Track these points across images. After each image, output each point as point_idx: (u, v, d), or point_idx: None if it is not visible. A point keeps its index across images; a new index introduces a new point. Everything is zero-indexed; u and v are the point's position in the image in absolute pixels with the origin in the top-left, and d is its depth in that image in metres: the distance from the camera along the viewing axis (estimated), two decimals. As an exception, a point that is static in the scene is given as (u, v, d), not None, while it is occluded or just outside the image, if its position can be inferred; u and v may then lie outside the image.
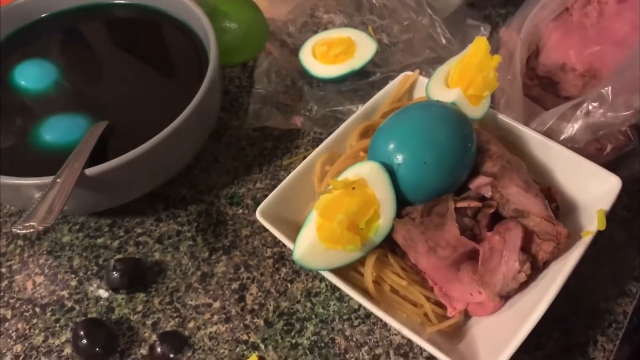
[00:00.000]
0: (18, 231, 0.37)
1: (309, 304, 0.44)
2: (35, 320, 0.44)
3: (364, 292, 0.39)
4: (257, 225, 0.48)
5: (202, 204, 0.50)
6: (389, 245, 0.40)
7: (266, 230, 0.47)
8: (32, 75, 0.50)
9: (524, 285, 0.39)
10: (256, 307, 0.44)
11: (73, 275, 0.46)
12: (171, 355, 0.42)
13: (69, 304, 0.45)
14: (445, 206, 0.38)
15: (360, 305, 0.44)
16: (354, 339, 0.42)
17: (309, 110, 0.55)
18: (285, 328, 0.43)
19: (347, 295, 0.42)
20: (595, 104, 0.44)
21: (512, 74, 0.49)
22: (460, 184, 0.40)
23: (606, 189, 0.41)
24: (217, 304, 0.44)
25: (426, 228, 0.37)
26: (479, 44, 0.42)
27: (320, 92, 0.57)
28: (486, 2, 0.65)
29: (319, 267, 0.38)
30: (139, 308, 0.44)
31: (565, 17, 0.51)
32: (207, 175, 0.52)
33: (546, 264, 0.39)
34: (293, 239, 0.39)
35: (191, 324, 0.43)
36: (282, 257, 0.47)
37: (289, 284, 0.45)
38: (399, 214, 0.39)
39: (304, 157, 0.45)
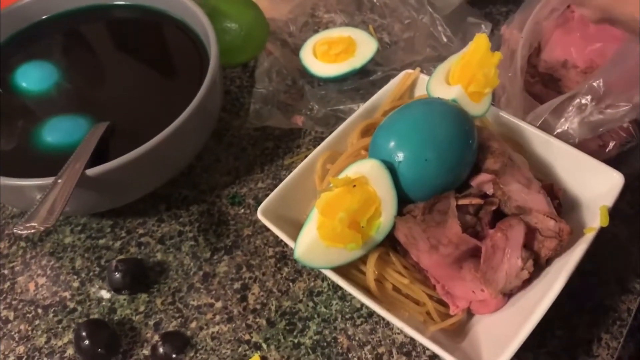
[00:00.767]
0: (19, 232, 0.37)
1: (311, 304, 0.44)
2: (37, 322, 0.44)
3: (366, 291, 0.39)
4: (258, 225, 0.48)
5: (204, 204, 0.50)
6: (390, 244, 0.39)
7: (268, 229, 0.47)
8: (33, 77, 0.50)
9: (526, 283, 0.39)
10: (258, 306, 0.44)
11: (75, 276, 0.46)
12: (173, 356, 0.42)
13: (71, 305, 0.45)
14: (447, 203, 0.37)
15: (362, 304, 0.44)
16: (357, 338, 0.42)
17: (310, 110, 0.55)
18: (287, 328, 0.43)
19: (350, 294, 0.41)
20: (588, 97, 0.44)
21: (514, 71, 0.48)
22: (461, 181, 0.39)
23: (609, 186, 0.41)
24: (219, 304, 0.44)
25: (428, 226, 0.37)
26: (480, 41, 0.42)
27: (321, 92, 0.56)
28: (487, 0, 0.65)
29: (320, 265, 0.38)
30: (141, 308, 0.44)
31: (566, 14, 0.51)
32: (208, 175, 0.52)
33: (549, 261, 0.39)
34: (295, 238, 0.39)
35: (193, 324, 0.43)
36: (284, 256, 0.47)
37: (291, 284, 0.45)
38: (400, 212, 0.38)
39: (306, 157, 0.45)
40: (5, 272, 0.47)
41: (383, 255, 0.39)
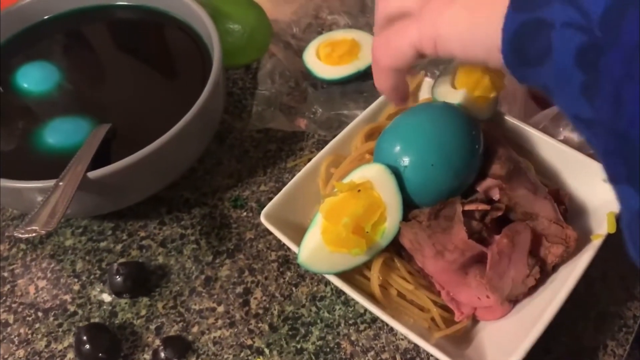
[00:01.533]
0: (20, 235, 0.36)
1: (314, 308, 0.44)
2: (37, 325, 0.44)
3: (370, 297, 0.39)
4: (261, 229, 0.48)
5: (206, 207, 0.50)
6: (395, 249, 0.39)
7: (270, 233, 0.47)
8: (34, 78, 0.50)
9: (532, 289, 0.38)
10: (261, 311, 0.44)
11: (76, 280, 0.46)
12: (175, 361, 0.41)
13: (72, 308, 0.44)
14: (453, 209, 0.37)
15: (366, 310, 0.43)
16: (360, 344, 0.42)
17: (313, 113, 0.55)
18: (290, 333, 0.43)
19: (353, 299, 0.41)
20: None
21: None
22: (467, 186, 0.39)
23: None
24: (221, 308, 0.44)
25: (433, 231, 0.37)
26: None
27: (324, 94, 0.56)
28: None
29: (324, 270, 0.38)
30: (143, 312, 0.44)
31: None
32: (210, 177, 0.52)
33: (555, 267, 0.39)
34: (298, 242, 0.39)
35: (195, 329, 0.43)
36: (287, 260, 0.46)
37: (293, 288, 0.45)
38: (405, 217, 0.38)
39: (308, 160, 0.45)
40: (5, 274, 0.46)
41: (388, 261, 0.39)
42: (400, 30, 0.33)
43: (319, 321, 0.43)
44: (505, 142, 0.41)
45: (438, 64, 0.56)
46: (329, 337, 0.42)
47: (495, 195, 0.39)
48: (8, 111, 0.48)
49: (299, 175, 0.43)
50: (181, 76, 0.51)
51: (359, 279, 0.39)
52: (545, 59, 0.24)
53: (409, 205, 0.38)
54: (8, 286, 0.46)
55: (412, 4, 0.33)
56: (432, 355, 0.40)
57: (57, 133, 0.46)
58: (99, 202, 0.43)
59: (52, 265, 0.47)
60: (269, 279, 0.45)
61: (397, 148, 0.38)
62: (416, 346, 0.41)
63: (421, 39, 0.31)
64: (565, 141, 0.44)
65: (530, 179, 0.39)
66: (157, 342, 0.42)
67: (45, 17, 0.54)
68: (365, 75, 0.57)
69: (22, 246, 0.48)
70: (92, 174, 0.39)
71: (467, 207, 0.37)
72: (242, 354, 0.42)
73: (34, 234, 0.36)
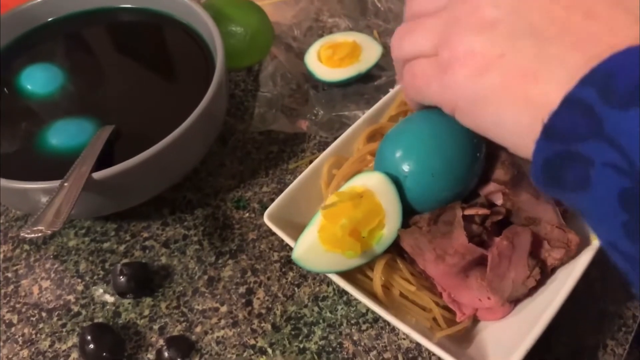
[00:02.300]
0: (26, 235, 0.37)
1: (316, 308, 0.44)
2: (41, 325, 0.44)
3: (373, 296, 0.39)
4: (263, 229, 0.48)
5: (209, 208, 0.50)
6: (397, 251, 0.39)
7: (273, 234, 0.47)
8: (38, 80, 0.50)
9: (533, 290, 0.39)
10: (263, 311, 0.44)
11: (79, 280, 0.46)
12: (178, 360, 0.41)
13: (76, 308, 0.45)
14: (453, 214, 0.37)
15: (368, 310, 0.44)
16: (362, 344, 0.42)
17: (315, 115, 0.55)
18: (292, 332, 0.43)
19: (355, 299, 0.41)
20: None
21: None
22: (468, 191, 0.39)
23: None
24: (224, 309, 0.44)
25: (433, 236, 0.37)
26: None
27: (325, 96, 0.56)
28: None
29: (316, 268, 0.38)
30: (146, 312, 0.44)
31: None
32: (213, 179, 0.52)
33: (554, 269, 0.39)
34: (300, 243, 0.39)
35: (198, 329, 0.43)
36: (289, 261, 0.46)
37: (296, 288, 0.45)
38: (406, 223, 0.38)
39: (310, 161, 0.45)
40: (9, 275, 0.47)
41: (390, 262, 0.39)
42: (423, 79, 0.31)
43: (321, 321, 0.43)
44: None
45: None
46: (332, 337, 0.43)
47: (498, 200, 0.39)
48: (12, 113, 0.48)
49: (301, 176, 0.43)
50: (184, 78, 0.51)
51: (362, 279, 0.40)
52: (582, 190, 0.23)
53: (409, 212, 0.38)
54: (12, 286, 0.46)
55: (426, 48, 0.31)
56: (434, 354, 0.40)
57: (61, 134, 0.46)
58: (103, 202, 0.44)
59: (56, 266, 0.47)
60: (271, 279, 0.46)
61: (398, 156, 0.38)
62: (418, 345, 0.42)
63: (442, 99, 0.30)
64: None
65: (532, 183, 0.39)
66: (161, 341, 0.43)
67: (50, 19, 0.54)
68: (366, 77, 0.57)
69: (26, 247, 0.48)
70: (96, 175, 0.40)
71: (467, 212, 0.37)
72: (245, 354, 0.42)
73: (40, 234, 0.37)
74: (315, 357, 0.42)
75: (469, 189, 0.39)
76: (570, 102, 0.22)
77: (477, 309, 0.39)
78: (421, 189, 0.38)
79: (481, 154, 0.39)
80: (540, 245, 0.38)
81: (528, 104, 0.25)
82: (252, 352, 0.42)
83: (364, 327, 0.43)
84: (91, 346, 0.41)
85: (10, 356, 0.42)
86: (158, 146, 0.41)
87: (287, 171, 0.52)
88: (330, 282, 0.45)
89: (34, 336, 0.43)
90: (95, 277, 0.46)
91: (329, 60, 0.57)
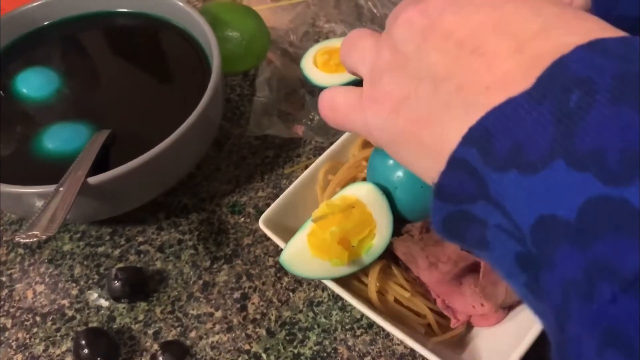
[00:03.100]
0: (21, 240, 0.37)
1: (311, 314, 0.44)
2: (35, 330, 0.44)
3: (367, 302, 0.39)
4: (258, 234, 0.48)
5: (204, 213, 0.50)
6: (392, 257, 0.40)
7: (268, 239, 0.47)
8: (34, 83, 0.50)
9: (527, 296, 0.39)
10: (258, 316, 0.44)
11: (74, 284, 0.46)
12: (173, 365, 0.41)
13: (70, 313, 0.45)
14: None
15: (362, 315, 0.44)
16: (357, 349, 0.42)
17: (311, 120, 0.56)
18: (287, 338, 0.43)
19: (350, 304, 0.42)
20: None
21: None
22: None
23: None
24: (218, 314, 0.44)
25: (426, 244, 0.37)
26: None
27: (321, 101, 0.57)
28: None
29: (301, 273, 0.38)
30: (141, 317, 0.44)
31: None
32: (208, 183, 0.52)
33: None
34: (295, 248, 0.39)
35: (193, 334, 0.43)
36: (284, 266, 0.47)
37: (291, 293, 0.45)
38: (398, 232, 0.39)
39: (306, 166, 0.45)
40: (3, 279, 0.47)
41: (385, 268, 0.39)
42: (345, 108, 0.30)
43: (316, 326, 0.43)
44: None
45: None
46: (326, 342, 0.43)
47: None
48: (8, 116, 0.48)
49: (297, 181, 0.44)
50: (180, 83, 0.51)
51: (357, 285, 0.40)
52: (482, 249, 0.22)
53: (402, 220, 0.39)
54: (6, 291, 0.46)
55: (363, 70, 0.29)
56: (428, 361, 0.40)
57: (57, 138, 0.46)
58: (98, 207, 0.44)
59: (50, 270, 0.47)
60: (266, 285, 0.46)
61: (389, 167, 0.38)
62: (412, 351, 0.42)
63: (367, 135, 0.29)
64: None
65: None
66: (155, 346, 0.43)
67: (46, 23, 0.54)
68: (362, 83, 0.57)
69: (20, 251, 0.48)
70: (92, 180, 0.40)
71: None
72: (239, 359, 0.42)
73: (34, 239, 0.37)
74: (310, 362, 0.42)
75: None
76: (454, 162, 0.21)
77: (471, 316, 0.40)
78: (411, 199, 0.38)
79: None
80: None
81: (424, 150, 0.24)
82: (246, 357, 0.42)
83: (358, 332, 0.43)
84: (85, 351, 0.41)
85: (4, 361, 0.42)
86: (154, 151, 0.41)
87: (283, 176, 0.52)
88: (325, 288, 0.45)
89: (28, 341, 0.43)
90: (89, 282, 0.46)
91: (325, 65, 0.57)
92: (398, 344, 0.42)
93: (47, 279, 0.47)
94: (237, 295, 0.45)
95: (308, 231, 0.38)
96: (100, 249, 0.48)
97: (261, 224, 0.41)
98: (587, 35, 0.19)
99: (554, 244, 0.18)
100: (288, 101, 0.57)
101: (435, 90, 0.23)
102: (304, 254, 0.38)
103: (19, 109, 0.49)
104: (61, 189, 0.39)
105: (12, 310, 0.45)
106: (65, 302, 0.45)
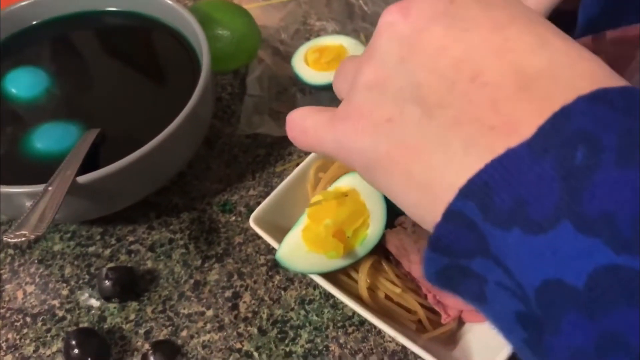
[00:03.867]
0: (9, 240, 0.36)
1: (302, 312, 0.44)
2: (25, 330, 0.44)
3: (358, 299, 0.39)
4: (250, 233, 0.48)
5: (195, 212, 0.50)
6: (383, 253, 0.40)
7: (259, 237, 0.47)
8: (23, 83, 0.50)
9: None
10: (250, 315, 0.44)
11: (64, 284, 0.46)
12: (164, 365, 0.41)
13: (60, 313, 0.44)
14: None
15: (354, 313, 0.44)
16: (348, 346, 0.42)
17: (302, 118, 0.55)
18: (279, 336, 0.43)
19: (341, 302, 0.41)
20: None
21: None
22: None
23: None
24: (210, 312, 0.44)
25: (419, 237, 0.37)
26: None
27: (312, 100, 0.57)
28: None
29: (298, 269, 0.39)
30: (132, 317, 0.44)
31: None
32: (199, 182, 0.52)
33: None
34: (286, 246, 0.39)
35: (184, 333, 0.43)
36: (276, 264, 0.46)
37: (282, 292, 0.45)
38: (392, 224, 0.39)
39: (297, 164, 0.45)
40: (-7, 280, 0.46)
41: (375, 264, 0.39)
42: (320, 122, 0.27)
43: (307, 324, 0.43)
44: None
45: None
46: (318, 340, 0.43)
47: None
48: (-3, 116, 0.48)
49: (287, 179, 0.43)
50: (170, 81, 0.51)
51: (347, 282, 0.40)
52: (479, 303, 0.20)
53: (395, 213, 0.39)
54: (-4, 291, 0.46)
55: (344, 91, 0.27)
56: (419, 357, 0.40)
57: (46, 138, 0.46)
58: (88, 206, 0.44)
59: (41, 270, 0.47)
60: (257, 283, 0.46)
61: None
62: (404, 348, 0.42)
63: (336, 150, 0.26)
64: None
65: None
66: (147, 346, 0.42)
67: (34, 23, 0.54)
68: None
69: (10, 251, 0.48)
70: (81, 179, 0.40)
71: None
72: (231, 358, 0.42)
73: (23, 239, 0.36)
74: (302, 360, 0.42)
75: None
76: (451, 215, 0.19)
77: (462, 311, 0.40)
78: None
79: None
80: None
81: (412, 184, 0.21)
82: (238, 356, 0.42)
83: (350, 330, 0.43)
84: (76, 351, 0.41)
85: (-7, 362, 0.42)
86: (143, 150, 0.41)
87: (274, 174, 0.52)
88: (316, 286, 0.45)
89: (18, 341, 0.43)
90: (80, 282, 0.46)
91: (316, 63, 0.58)
92: (390, 341, 0.42)
93: (37, 279, 0.46)
94: (228, 294, 0.45)
95: (302, 226, 0.38)
96: (91, 249, 0.48)
97: (252, 223, 0.41)
98: (592, 81, 0.19)
99: (561, 310, 0.17)
100: (279, 99, 0.57)
101: (427, 117, 0.21)
102: (299, 249, 0.38)
103: (8, 108, 0.48)
104: (50, 188, 0.39)
105: (1, 311, 0.45)
106: (56, 302, 0.45)
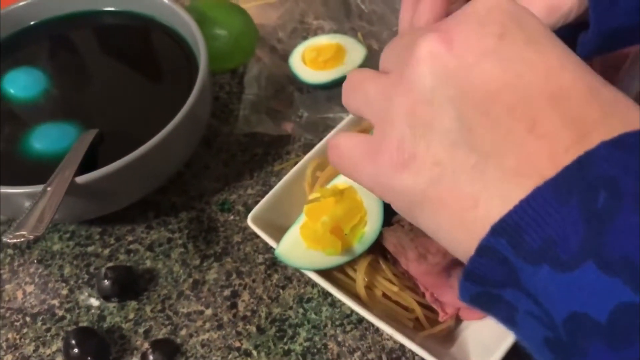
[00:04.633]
0: (9, 241, 0.37)
1: (301, 310, 0.44)
2: (25, 330, 0.44)
3: (356, 298, 0.39)
4: (248, 232, 0.48)
5: (193, 211, 0.50)
6: (380, 252, 0.40)
7: (257, 236, 0.47)
8: (21, 84, 0.50)
9: (514, 289, 0.39)
10: (248, 313, 0.44)
11: (64, 284, 0.46)
12: (163, 363, 0.41)
13: (60, 312, 0.45)
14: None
15: (352, 311, 0.44)
16: (347, 345, 0.42)
17: (299, 117, 0.56)
18: (277, 334, 0.43)
19: (339, 301, 0.42)
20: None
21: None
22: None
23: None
24: (209, 311, 0.44)
25: (416, 235, 0.38)
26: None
27: (310, 98, 0.57)
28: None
29: (297, 265, 0.39)
30: (131, 316, 0.44)
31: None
32: (197, 181, 0.52)
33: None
34: (284, 245, 0.39)
35: (183, 332, 0.43)
36: (274, 263, 0.47)
37: (281, 290, 0.45)
38: (389, 222, 0.39)
39: (295, 163, 0.45)
40: (-7, 280, 0.47)
41: (373, 263, 0.40)
42: (351, 159, 0.27)
43: (306, 322, 0.44)
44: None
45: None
46: (316, 338, 0.43)
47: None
48: (-5, 117, 0.48)
49: (285, 178, 0.44)
50: (168, 81, 0.51)
51: (345, 280, 0.40)
52: (510, 326, 0.22)
53: (393, 211, 0.39)
54: (-5, 291, 0.46)
55: (368, 113, 0.26)
56: (417, 355, 0.40)
57: (45, 138, 0.46)
58: (86, 206, 0.44)
59: (40, 270, 0.47)
60: (256, 282, 0.46)
61: None
62: (402, 346, 0.42)
63: (375, 184, 0.26)
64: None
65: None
66: (146, 345, 0.43)
67: (32, 23, 0.54)
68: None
69: (10, 251, 0.48)
70: (80, 179, 0.40)
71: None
72: (230, 356, 0.42)
73: (22, 239, 0.37)
74: (300, 358, 0.42)
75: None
76: (485, 250, 0.20)
77: (459, 309, 0.40)
78: None
79: None
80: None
81: (463, 227, 0.22)
82: (237, 354, 0.42)
83: (348, 328, 0.43)
84: (76, 350, 0.41)
85: (-6, 361, 0.42)
86: (141, 149, 0.41)
87: (272, 173, 0.52)
88: (315, 284, 0.45)
89: (18, 341, 0.43)
90: (79, 281, 0.46)
91: (313, 62, 0.58)
92: (387, 339, 0.43)
93: (36, 279, 0.47)
94: (227, 292, 0.45)
95: (300, 224, 0.39)
96: (90, 249, 0.48)
97: (249, 222, 0.41)
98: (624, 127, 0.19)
99: (587, 340, 0.18)
100: (277, 98, 0.57)
101: (481, 165, 0.21)
102: (298, 246, 0.38)
103: (6, 109, 0.49)
104: (49, 188, 0.39)
105: (1, 311, 0.45)
106: (55, 302, 0.45)
